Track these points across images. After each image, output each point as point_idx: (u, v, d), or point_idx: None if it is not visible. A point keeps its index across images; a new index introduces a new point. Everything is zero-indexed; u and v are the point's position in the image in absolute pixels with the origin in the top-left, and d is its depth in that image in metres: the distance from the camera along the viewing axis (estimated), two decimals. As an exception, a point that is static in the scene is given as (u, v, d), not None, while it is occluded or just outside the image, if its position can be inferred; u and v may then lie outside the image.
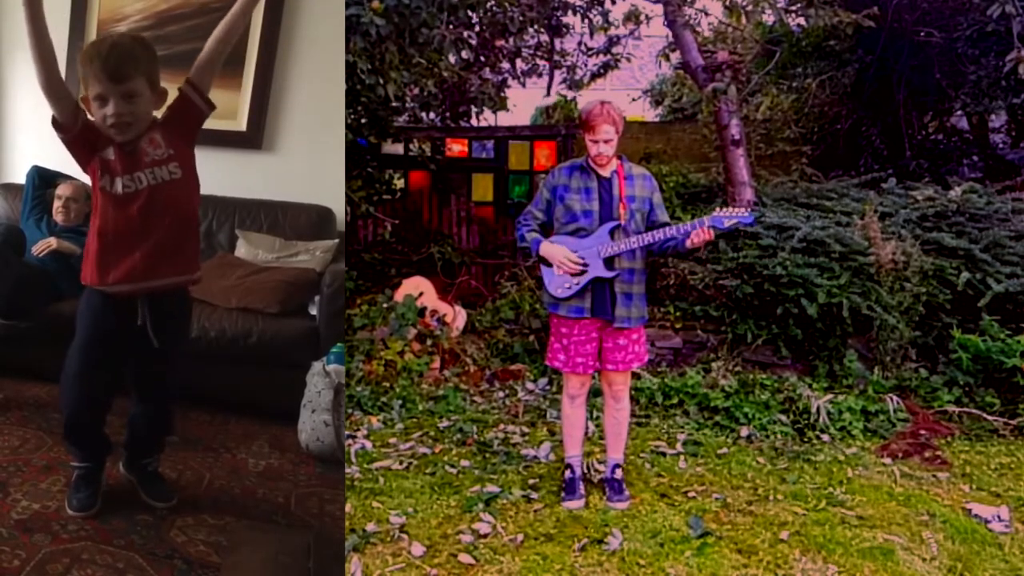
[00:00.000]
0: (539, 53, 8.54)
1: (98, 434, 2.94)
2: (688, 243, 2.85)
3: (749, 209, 3.04)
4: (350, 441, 3.74)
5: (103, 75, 2.53)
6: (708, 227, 2.84)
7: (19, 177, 4.49)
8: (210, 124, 4.64)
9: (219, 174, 4.46)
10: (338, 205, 4.86)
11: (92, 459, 2.93)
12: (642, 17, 7.55)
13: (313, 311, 4.18)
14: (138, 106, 2.62)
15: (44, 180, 4.24)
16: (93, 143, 2.67)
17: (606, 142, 2.89)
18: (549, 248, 2.96)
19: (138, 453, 3.07)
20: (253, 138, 4.84)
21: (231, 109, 4.79)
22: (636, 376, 4.17)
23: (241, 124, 4.83)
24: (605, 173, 2.97)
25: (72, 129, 2.64)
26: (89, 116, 2.66)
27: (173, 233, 2.73)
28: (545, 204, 3.05)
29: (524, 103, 10.38)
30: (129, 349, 2.84)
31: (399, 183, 7.56)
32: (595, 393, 3.88)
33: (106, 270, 2.71)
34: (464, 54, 6.59)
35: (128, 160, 2.65)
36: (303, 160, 4.84)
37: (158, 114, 2.75)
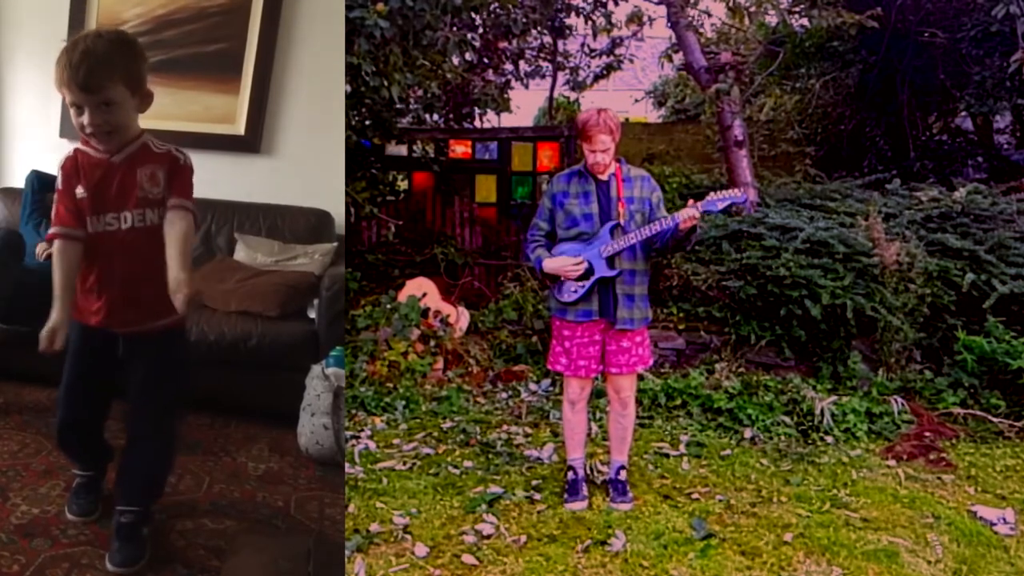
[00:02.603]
0: (542, 55, 8.57)
1: (93, 444, 2.87)
2: (682, 224, 2.82)
3: (743, 191, 3.03)
4: (353, 441, 3.73)
5: (73, 86, 2.36)
6: (700, 211, 2.81)
7: (19, 181, 4.48)
8: (209, 128, 4.70)
9: (218, 178, 4.46)
10: (337, 208, 4.85)
11: (92, 467, 2.90)
12: (645, 18, 7.56)
13: (312, 314, 4.17)
14: (116, 114, 2.44)
15: (43, 184, 4.22)
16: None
17: (603, 151, 2.89)
18: (550, 264, 2.96)
19: (118, 494, 2.74)
20: (252, 142, 4.82)
21: (229, 113, 4.77)
22: (639, 377, 4.15)
23: (239, 128, 4.81)
24: (603, 177, 2.97)
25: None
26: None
27: (148, 278, 2.50)
28: (548, 213, 3.05)
29: (527, 104, 10.40)
30: (110, 382, 2.71)
31: (403, 184, 7.54)
32: (598, 395, 3.86)
33: (83, 310, 2.60)
34: (467, 56, 6.61)
35: (118, 197, 2.50)
36: (302, 163, 4.83)
37: (169, 148, 2.57)
